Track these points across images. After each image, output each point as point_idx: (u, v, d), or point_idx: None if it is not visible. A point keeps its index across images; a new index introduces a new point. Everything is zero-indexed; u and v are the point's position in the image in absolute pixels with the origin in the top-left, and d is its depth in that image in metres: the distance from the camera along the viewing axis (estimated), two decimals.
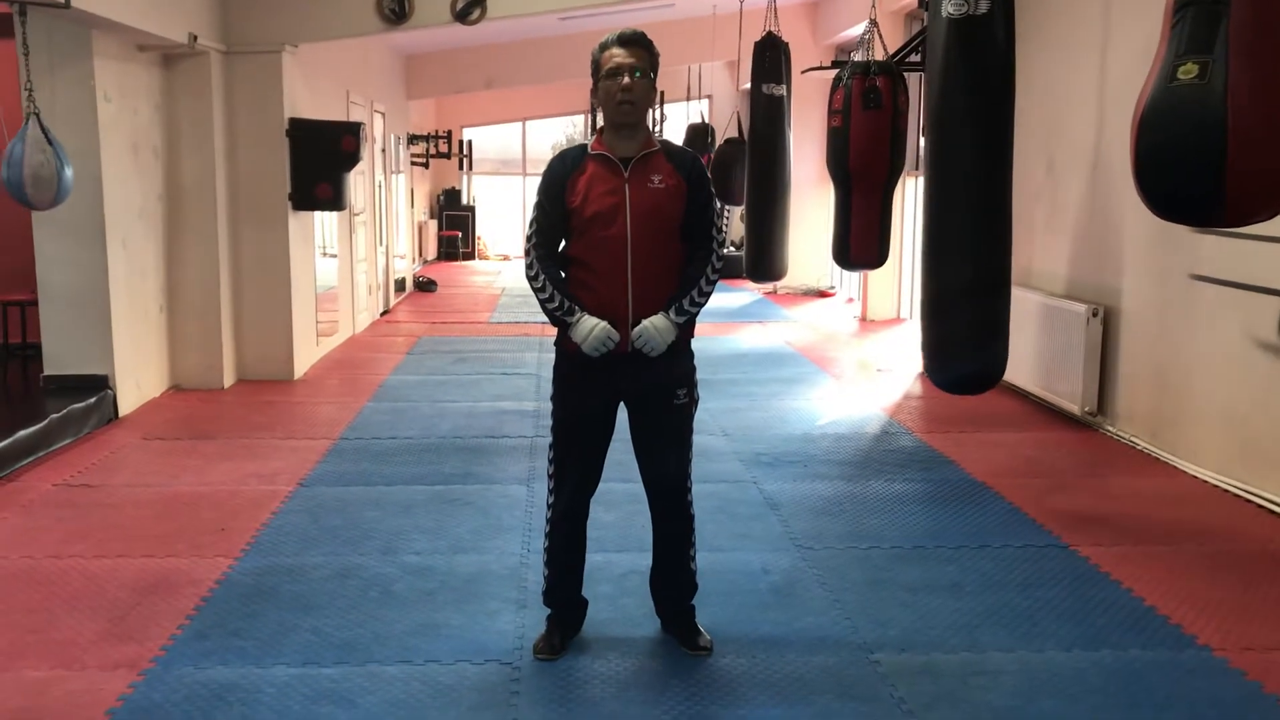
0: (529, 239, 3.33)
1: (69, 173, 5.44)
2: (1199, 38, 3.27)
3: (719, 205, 15.39)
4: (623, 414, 3.45)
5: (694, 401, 3.45)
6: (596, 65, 3.27)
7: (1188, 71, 3.27)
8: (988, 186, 4.66)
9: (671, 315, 3.27)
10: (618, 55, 3.22)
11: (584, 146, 3.34)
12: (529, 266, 3.32)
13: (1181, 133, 3.31)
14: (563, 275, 3.34)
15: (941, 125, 4.76)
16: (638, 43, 3.25)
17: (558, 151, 3.40)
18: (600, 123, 3.37)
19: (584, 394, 3.37)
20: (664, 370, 3.34)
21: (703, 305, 3.34)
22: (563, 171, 3.30)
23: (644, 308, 3.27)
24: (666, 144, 3.38)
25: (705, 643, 3.48)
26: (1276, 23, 3.23)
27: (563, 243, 3.37)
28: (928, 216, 4.89)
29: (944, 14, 4.54)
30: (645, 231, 3.26)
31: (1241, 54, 3.20)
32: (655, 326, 3.25)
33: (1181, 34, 3.31)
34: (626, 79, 3.21)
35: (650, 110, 3.37)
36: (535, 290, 3.31)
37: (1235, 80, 3.19)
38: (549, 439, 3.47)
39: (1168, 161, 3.39)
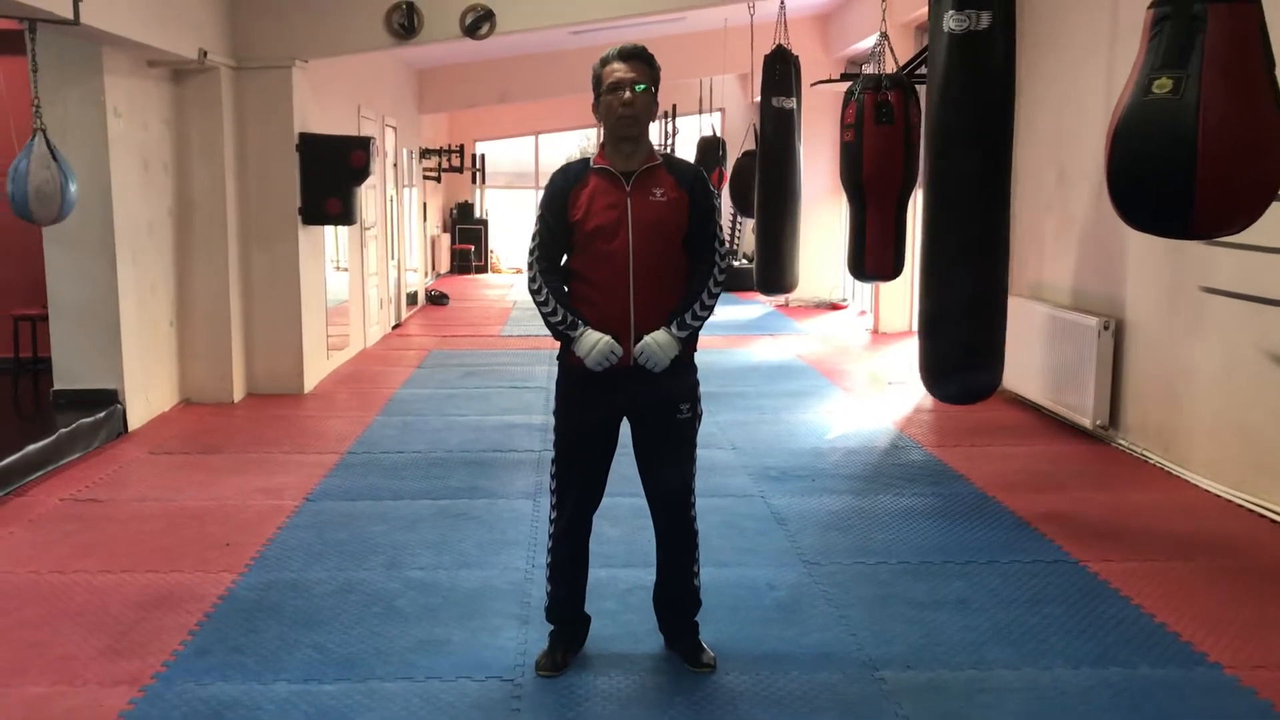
0: (531, 253, 3.33)
1: (74, 188, 5.47)
2: (1174, 52, 3.33)
3: (735, 215, 15.44)
4: (626, 428, 3.43)
5: (697, 416, 3.44)
6: (598, 80, 3.27)
7: (1162, 86, 3.33)
8: (985, 203, 4.67)
9: (674, 330, 3.25)
10: (619, 70, 3.22)
11: (586, 161, 3.34)
12: (531, 280, 3.31)
13: (1153, 146, 3.38)
14: (565, 290, 3.33)
15: (941, 140, 4.77)
16: (638, 57, 3.25)
17: (559, 166, 3.40)
18: (602, 137, 3.36)
19: (586, 408, 3.36)
20: (667, 385, 3.32)
21: (705, 319, 3.32)
22: (564, 186, 3.30)
23: (646, 322, 3.25)
24: (668, 157, 3.38)
25: (709, 659, 3.45)
26: (1251, 39, 3.28)
27: (564, 257, 3.36)
28: (925, 232, 4.91)
29: (945, 29, 4.54)
30: (647, 245, 3.25)
31: (1215, 70, 3.26)
32: (658, 342, 3.23)
33: (1158, 47, 3.37)
34: (628, 93, 3.21)
35: (651, 124, 3.35)
36: (538, 304, 3.30)
37: (1208, 96, 3.26)
38: (553, 453, 3.46)
39: (1138, 173, 3.45)
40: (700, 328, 3.32)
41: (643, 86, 3.23)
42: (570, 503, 3.41)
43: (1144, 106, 3.40)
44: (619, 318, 3.26)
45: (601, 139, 3.37)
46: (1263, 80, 3.32)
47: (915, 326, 10.69)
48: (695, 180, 3.33)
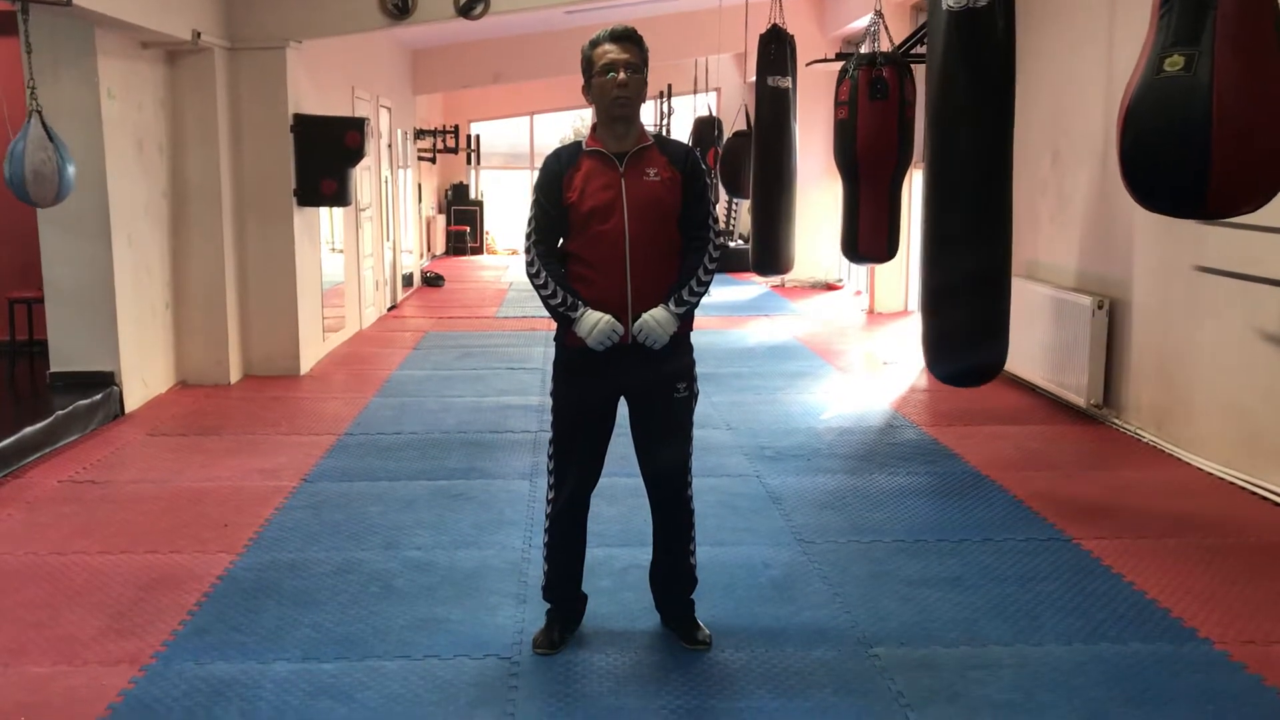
0: (528, 236, 3.34)
1: (71, 170, 5.46)
2: (1185, 29, 3.28)
3: (729, 198, 15.40)
4: (624, 408, 3.45)
5: (694, 395, 3.46)
6: (589, 62, 3.27)
7: (1174, 63, 3.28)
8: (987, 179, 4.65)
9: (671, 307, 3.27)
10: (611, 51, 3.23)
11: (579, 143, 3.35)
12: (530, 264, 3.32)
13: (1166, 125, 3.33)
14: (563, 271, 3.34)
15: (941, 118, 4.75)
16: (629, 38, 3.26)
17: (552, 150, 3.41)
18: (593, 119, 3.37)
19: (585, 388, 3.38)
20: (664, 364, 3.34)
21: (702, 295, 3.34)
22: (558, 168, 3.31)
23: (644, 300, 3.27)
24: (660, 137, 3.40)
25: (704, 637, 3.48)
26: (1262, 14, 3.24)
27: (561, 240, 3.37)
28: (927, 210, 4.89)
29: (944, 6, 4.52)
30: (643, 224, 3.26)
31: (1228, 46, 3.21)
32: (656, 319, 3.26)
33: (1168, 25, 3.32)
34: (622, 74, 3.22)
35: (642, 105, 3.36)
36: (537, 287, 3.32)
37: (1221, 73, 3.20)
38: (550, 433, 3.48)
39: (1152, 153, 3.40)
40: (697, 305, 3.34)
41: (635, 68, 3.24)
42: (569, 482, 3.43)
43: (1156, 85, 3.34)
44: (616, 297, 3.27)
45: (594, 121, 3.38)
46: (1276, 55, 3.26)
47: (911, 306, 10.74)
48: (688, 159, 3.34)
